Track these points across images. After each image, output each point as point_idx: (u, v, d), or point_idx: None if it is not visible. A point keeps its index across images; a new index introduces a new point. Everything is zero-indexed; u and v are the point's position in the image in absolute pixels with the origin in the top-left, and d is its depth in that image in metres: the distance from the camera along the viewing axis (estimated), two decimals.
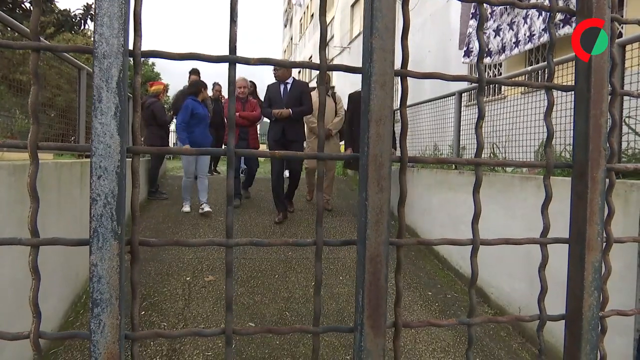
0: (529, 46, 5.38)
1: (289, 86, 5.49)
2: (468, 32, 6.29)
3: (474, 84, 5.60)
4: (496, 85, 5.68)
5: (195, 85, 5.80)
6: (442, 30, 8.29)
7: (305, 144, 6.26)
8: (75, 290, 3.58)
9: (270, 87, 5.64)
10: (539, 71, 4.30)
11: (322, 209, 0.51)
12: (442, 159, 0.58)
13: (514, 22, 5.59)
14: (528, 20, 5.33)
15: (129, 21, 0.47)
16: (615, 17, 0.63)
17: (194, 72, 7.29)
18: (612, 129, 0.63)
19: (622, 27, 4.50)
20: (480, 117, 0.57)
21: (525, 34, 5.35)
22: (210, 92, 7.39)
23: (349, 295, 3.96)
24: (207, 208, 5.80)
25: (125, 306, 0.48)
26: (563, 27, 4.71)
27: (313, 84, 9.98)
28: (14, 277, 2.42)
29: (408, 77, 0.58)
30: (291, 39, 30.74)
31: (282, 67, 5.21)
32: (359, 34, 16.27)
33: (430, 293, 4.13)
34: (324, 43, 0.53)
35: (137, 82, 0.49)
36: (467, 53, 6.38)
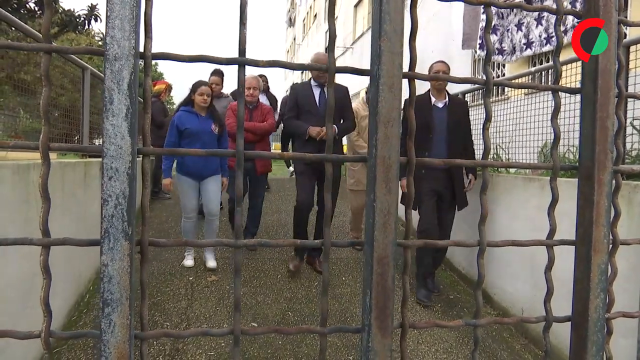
0: (527, 53, 5.43)
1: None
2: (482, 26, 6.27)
3: (475, 86, 5.60)
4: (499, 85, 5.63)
5: (189, 92, 4.03)
6: (445, 30, 8.28)
7: (348, 174, 4.82)
8: (79, 291, 3.59)
9: (298, 89, 4.03)
10: (543, 72, 4.30)
11: (330, 211, 0.52)
12: (448, 161, 0.58)
13: (522, 22, 5.59)
14: (536, 23, 5.35)
15: (140, 24, 0.47)
16: (622, 19, 0.63)
17: (216, 73, 5.61)
18: (618, 131, 0.63)
19: (626, 29, 4.49)
20: (488, 119, 0.57)
21: (540, 36, 5.35)
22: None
23: (352, 296, 3.96)
24: (211, 262, 4.22)
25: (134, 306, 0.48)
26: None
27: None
28: (19, 278, 2.43)
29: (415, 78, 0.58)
30: (294, 39, 30.76)
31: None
32: (362, 35, 16.25)
33: (433, 294, 4.13)
34: (332, 45, 0.54)
35: (147, 84, 0.49)
36: (482, 47, 6.38)
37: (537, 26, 5.33)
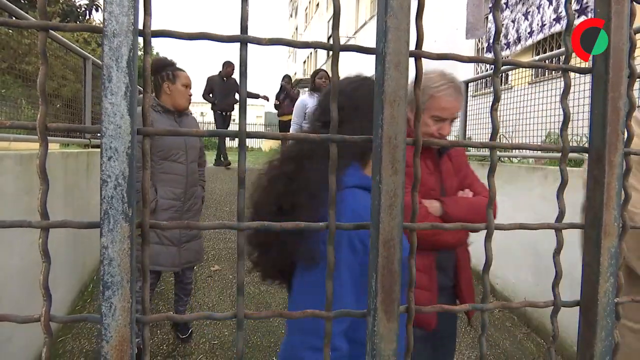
0: (540, 36, 5.34)
1: None
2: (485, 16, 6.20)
3: (480, 74, 5.55)
4: (503, 75, 5.63)
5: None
6: (449, 20, 8.21)
7: None
8: (82, 280, 3.61)
9: None
10: (554, 59, 4.25)
11: (334, 191, 0.50)
12: (457, 142, 0.57)
13: (529, 12, 5.52)
14: (541, 9, 5.27)
15: (139, 0, 0.46)
16: None
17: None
18: (629, 112, 0.62)
19: None
20: (496, 99, 0.55)
21: (538, 24, 5.29)
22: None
23: None
24: None
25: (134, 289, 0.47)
26: (578, 17, 4.66)
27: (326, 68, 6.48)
28: (23, 268, 2.43)
29: (422, 60, 0.56)
30: (296, 29, 30.56)
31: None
32: (364, 24, 16.13)
33: None
34: (337, 21, 0.52)
35: (147, 62, 0.48)
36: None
37: (548, 7, 5.25)
